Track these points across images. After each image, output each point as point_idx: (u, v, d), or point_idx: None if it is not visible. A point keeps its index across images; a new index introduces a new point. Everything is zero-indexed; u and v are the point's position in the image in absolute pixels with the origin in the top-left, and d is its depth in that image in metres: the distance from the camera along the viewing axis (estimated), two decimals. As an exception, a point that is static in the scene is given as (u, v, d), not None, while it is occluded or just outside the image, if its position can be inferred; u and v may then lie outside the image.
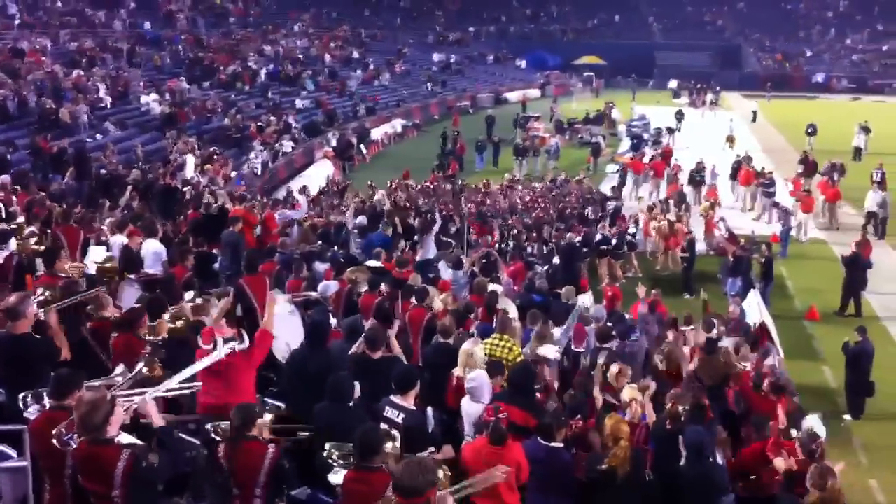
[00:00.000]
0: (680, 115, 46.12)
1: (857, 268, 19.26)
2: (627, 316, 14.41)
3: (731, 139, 39.92)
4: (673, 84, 66.91)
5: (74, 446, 5.34)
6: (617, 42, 75.68)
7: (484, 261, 16.10)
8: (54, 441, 5.44)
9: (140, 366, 6.55)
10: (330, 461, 6.09)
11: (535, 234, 22.01)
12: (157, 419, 5.66)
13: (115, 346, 7.82)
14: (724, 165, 31.83)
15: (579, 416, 7.94)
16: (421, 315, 10.77)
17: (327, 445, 6.18)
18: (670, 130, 42.81)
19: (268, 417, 6.11)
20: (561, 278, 16.47)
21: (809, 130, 40.41)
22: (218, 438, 6.00)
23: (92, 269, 10.35)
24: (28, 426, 5.91)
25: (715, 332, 12.35)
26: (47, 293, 8.25)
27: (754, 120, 50.13)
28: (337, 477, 5.88)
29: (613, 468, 7.10)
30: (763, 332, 14.31)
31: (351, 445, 5.97)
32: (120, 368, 6.61)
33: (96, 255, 11.39)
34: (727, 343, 12.18)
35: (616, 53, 72.09)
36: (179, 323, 8.38)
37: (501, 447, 6.75)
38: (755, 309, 15.66)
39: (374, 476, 5.55)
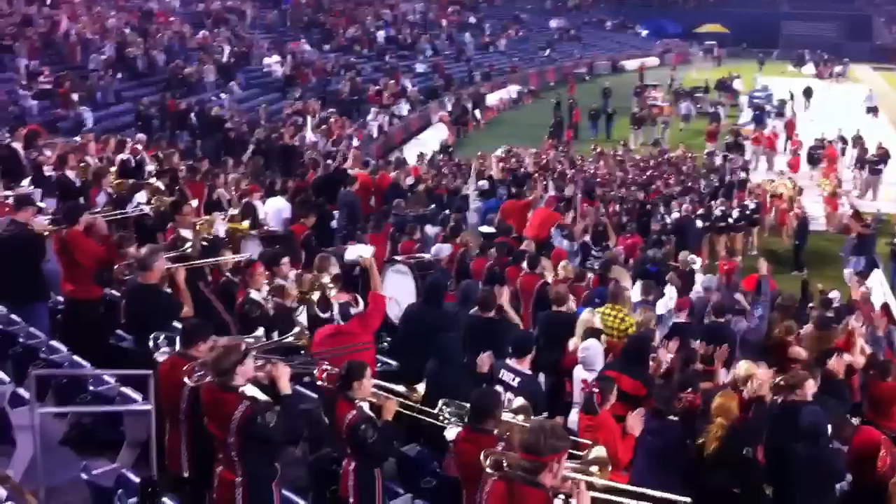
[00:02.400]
0: (808, 92, 43.10)
1: None
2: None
3: (874, 110, 38.55)
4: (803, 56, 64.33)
5: (201, 383, 5.58)
6: (741, 10, 73.06)
7: (595, 231, 15.98)
8: (185, 379, 5.69)
9: (292, 334, 6.75)
10: (441, 417, 6.19)
11: (651, 208, 21.64)
12: (286, 386, 5.72)
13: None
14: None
15: (690, 388, 7.82)
16: (532, 281, 10.79)
17: (440, 402, 6.27)
18: (783, 103, 41.16)
19: (369, 381, 6.10)
20: (677, 252, 16.21)
21: None
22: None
23: (221, 230, 10.63)
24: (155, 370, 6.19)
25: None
26: (188, 248, 8.48)
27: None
28: (451, 433, 5.99)
29: (702, 445, 7.03)
30: (887, 313, 13.83)
31: (462, 404, 6.09)
32: (260, 331, 6.83)
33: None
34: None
35: (740, 22, 69.62)
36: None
37: (595, 416, 6.76)
38: (878, 289, 15.17)
39: (484, 438, 5.61)
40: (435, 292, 8.74)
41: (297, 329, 6.93)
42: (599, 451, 5.38)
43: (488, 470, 5.07)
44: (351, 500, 5.88)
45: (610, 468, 5.36)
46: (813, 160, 29.22)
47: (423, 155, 27.07)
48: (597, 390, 6.94)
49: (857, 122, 35.52)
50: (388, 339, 8.82)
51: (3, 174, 12.38)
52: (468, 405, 5.92)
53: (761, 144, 31.38)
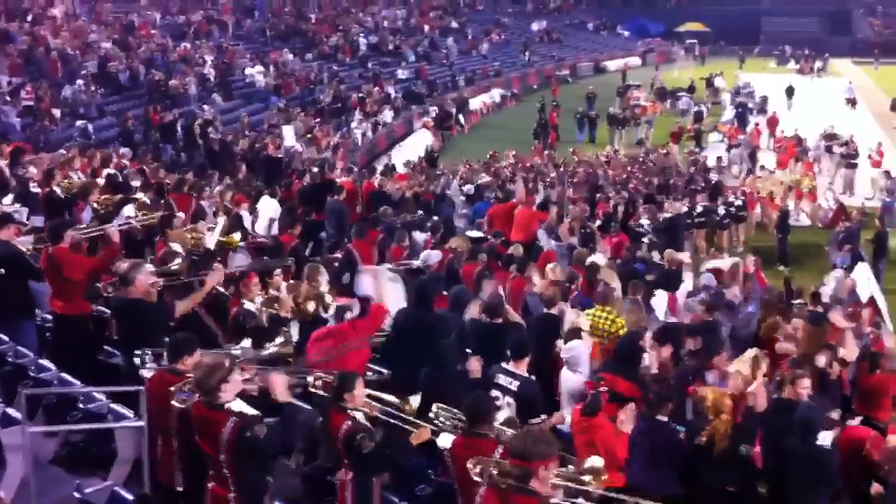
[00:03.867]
0: (790, 91, 42.80)
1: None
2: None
3: (852, 102, 39.30)
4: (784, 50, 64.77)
5: (191, 403, 5.54)
6: (722, 8, 73.36)
7: (582, 231, 15.98)
8: (173, 401, 5.65)
9: (275, 343, 6.70)
10: (437, 422, 6.15)
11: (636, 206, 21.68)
12: (283, 395, 5.73)
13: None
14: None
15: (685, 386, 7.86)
16: (521, 285, 10.81)
17: (434, 408, 6.25)
18: (765, 100, 41.31)
19: (361, 390, 6.07)
20: (664, 250, 16.24)
21: None
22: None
23: (211, 243, 10.56)
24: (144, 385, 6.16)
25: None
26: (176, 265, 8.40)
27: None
28: (445, 441, 5.92)
29: (711, 441, 7.03)
30: (873, 306, 13.90)
31: (455, 410, 6.08)
32: (246, 342, 6.79)
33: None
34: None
35: (721, 19, 69.93)
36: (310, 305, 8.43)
37: (592, 418, 6.77)
38: (864, 282, 15.23)
39: (482, 443, 5.61)
40: (424, 295, 8.71)
41: (280, 339, 6.84)
42: (595, 461, 5.39)
43: (476, 479, 5.04)
44: None
45: (604, 477, 5.35)
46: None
47: (409, 162, 27.09)
48: (604, 389, 6.95)
49: (838, 117, 35.83)
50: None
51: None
52: (460, 412, 5.90)
53: (740, 141, 31.70)
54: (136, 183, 13.93)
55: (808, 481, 6.96)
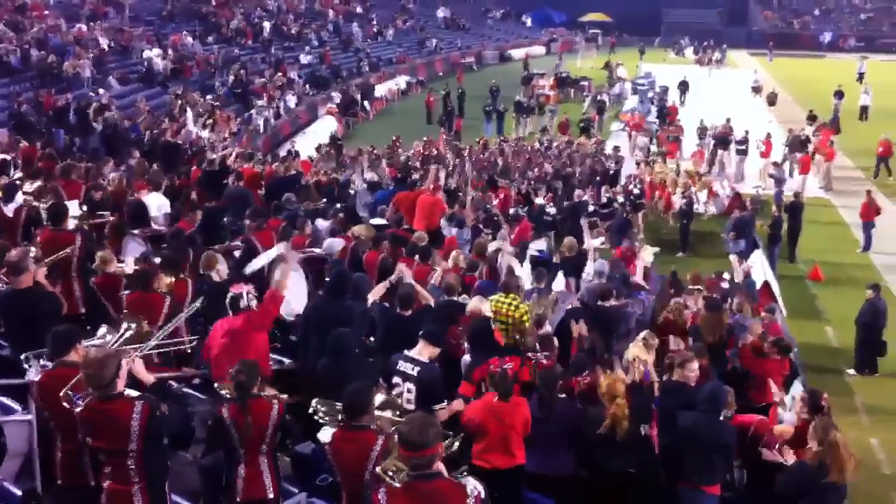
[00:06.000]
0: (684, 86, 42.53)
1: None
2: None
3: (757, 89, 41.69)
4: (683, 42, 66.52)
5: (81, 406, 5.32)
6: (624, -2, 74.86)
7: (485, 217, 16.04)
8: (64, 402, 5.44)
9: (127, 324, 6.42)
10: (316, 417, 6.04)
11: (538, 193, 21.89)
12: (147, 376, 5.65)
13: (128, 302, 7.79)
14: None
15: (586, 372, 7.95)
16: (425, 272, 10.77)
17: (314, 401, 6.13)
18: (665, 90, 42.03)
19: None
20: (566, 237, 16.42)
21: (837, 94, 37.71)
22: (228, 397, 6.00)
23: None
24: (36, 382, 5.88)
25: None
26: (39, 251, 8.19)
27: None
28: (325, 434, 5.79)
29: (613, 426, 7.14)
30: (768, 291, 14.37)
31: (335, 403, 5.96)
32: (103, 329, 6.56)
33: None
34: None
35: (622, 10, 71.27)
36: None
37: (508, 402, 6.80)
38: (759, 268, 15.71)
39: (362, 435, 5.53)
40: (339, 285, 8.57)
41: (133, 322, 6.56)
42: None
43: (388, 480, 4.96)
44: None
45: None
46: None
47: (321, 146, 26.80)
48: (510, 365, 6.98)
49: (736, 107, 36.91)
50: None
51: None
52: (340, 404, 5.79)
53: (641, 131, 32.36)
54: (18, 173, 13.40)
55: (707, 456, 7.16)
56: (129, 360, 5.58)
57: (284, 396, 6.17)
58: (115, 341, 6.05)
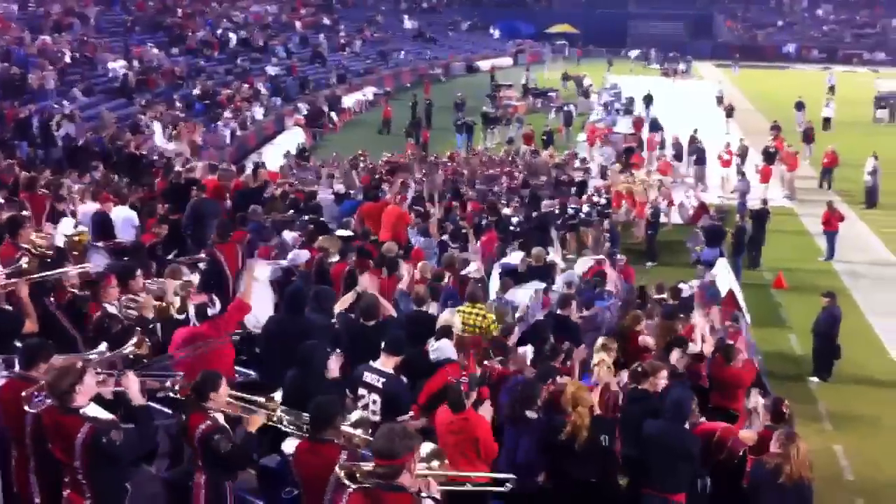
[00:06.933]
0: (649, 99, 41.65)
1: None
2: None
3: (721, 100, 42.08)
4: (635, 53, 67.35)
5: (41, 408, 5.31)
6: (590, 10, 75.33)
7: (452, 228, 16.04)
8: (25, 406, 5.40)
9: (130, 343, 6.43)
10: (281, 427, 5.99)
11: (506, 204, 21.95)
12: (137, 397, 5.57)
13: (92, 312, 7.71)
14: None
15: (550, 380, 7.97)
16: (392, 284, 10.76)
17: (277, 412, 6.07)
18: (631, 101, 42.39)
19: (224, 390, 5.95)
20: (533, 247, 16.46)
21: (798, 106, 38.56)
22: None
23: (61, 241, 10.14)
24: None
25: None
26: (23, 264, 8.06)
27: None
28: (289, 446, 5.76)
29: (573, 435, 7.15)
30: (732, 299, 14.49)
31: (301, 413, 5.92)
32: (103, 346, 6.50)
33: (66, 226, 11.19)
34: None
35: (589, 22, 71.88)
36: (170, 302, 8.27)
37: (463, 415, 6.77)
38: (724, 276, 15.83)
39: (325, 448, 5.49)
40: (296, 301, 8.54)
41: (134, 339, 6.56)
42: (430, 446, 5.39)
43: (346, 482, 4.95)
44: None
45: (446, 461, 5.38)
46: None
47: (289, 154, 26.71)
48: (465, 380, 6.95)
49: (701, 117, 37.30)
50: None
51: None
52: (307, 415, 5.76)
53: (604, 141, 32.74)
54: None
55: (671, 463, 7.15)
56: (97, 377, 5.53)
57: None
58: (108, 357, 6.02)
